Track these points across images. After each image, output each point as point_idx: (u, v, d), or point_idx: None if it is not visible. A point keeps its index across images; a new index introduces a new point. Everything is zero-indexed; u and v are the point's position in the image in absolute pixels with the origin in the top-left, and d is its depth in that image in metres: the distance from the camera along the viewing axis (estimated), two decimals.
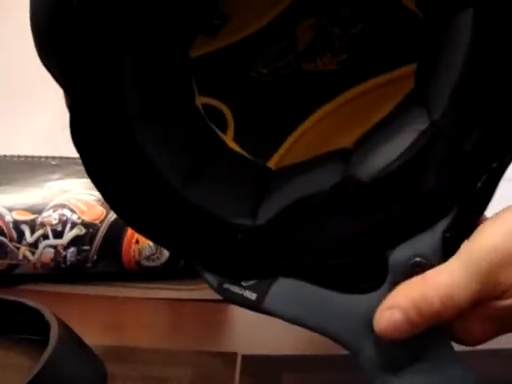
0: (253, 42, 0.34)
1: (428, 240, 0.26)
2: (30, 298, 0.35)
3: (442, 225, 0.26)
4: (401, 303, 0.24)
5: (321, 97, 0.35)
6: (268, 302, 0.28)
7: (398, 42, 0.33)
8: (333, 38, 0.34)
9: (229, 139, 0.34)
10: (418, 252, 0.25)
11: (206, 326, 0.43)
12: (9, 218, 0.49)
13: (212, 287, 0.30)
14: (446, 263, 0.25)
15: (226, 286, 0.29)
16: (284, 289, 0.28)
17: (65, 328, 0.32)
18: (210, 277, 0.29)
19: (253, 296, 0.28)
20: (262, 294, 0.28)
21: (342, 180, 0.28)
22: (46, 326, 0.31)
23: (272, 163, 0.34)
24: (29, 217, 0.49)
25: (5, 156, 0.54)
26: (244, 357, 0.36)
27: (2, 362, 0.34)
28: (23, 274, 0.50)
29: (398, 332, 0.24)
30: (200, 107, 0.32)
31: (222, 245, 0.29)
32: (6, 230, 0.49)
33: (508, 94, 0.25)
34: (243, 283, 0.29)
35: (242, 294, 0.28)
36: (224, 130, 0.34)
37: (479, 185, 0.26)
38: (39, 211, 0.50)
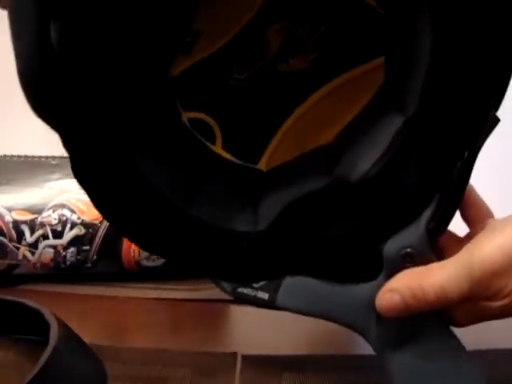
0: (226, 51, 0.35)
1: (414, 231, 0.28)
2: (29, 298, 0.35)
3: (426, 216, 0.28)
4: (401, 289, 0.27)
5: (298, 95, 0.36)
6: (280, 300, 0.31)
7: (365, 37, 0.34)
8: (301, 38, 0.35)
9: (218, 148, 0.35)
10: (407, 243, 0.28)
11: (206, 326, 0.43)
12: (8, 218, 0.49)
13: (227, 292, 0.33)
14: (445, 261, 0.28)
15: (240, 289, 0.32)
16: (292, 286, 0.31)
17: (65, 328, 0.32)
18: (223, 283, 0.33)
19: (265, 296, 0.31)
20: (273, 293, 0.31)
21: (330, 182, 0.29)
22: (45, 326, 0.31)
23: (262, 164, 0.36)
24: (28, 217, 0.49)
25: (5, 156, 0.54)
26: (244, 357, 0.36)
27: (1, 362, 0.34)
28: (23, 274, 0.50)
29: (396, 312, 0.28)
30: (186, 123, 0.34)
31: (231, 253, 0.31)
32: (5, 230, 0.49)
33: (472, 85, 0.27)
34: (254, 285, 0.32)
35: (255, 295, 0.32)
36: (212, 140, 0.35)
37: (455, 172, 0.28)
38: (39, 211, 0.50)
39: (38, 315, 0.33)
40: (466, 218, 0.33)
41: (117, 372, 0.33)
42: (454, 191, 0.28)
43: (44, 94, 0.26)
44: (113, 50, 0.27)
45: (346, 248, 0.30)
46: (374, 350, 0.29)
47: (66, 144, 0.28)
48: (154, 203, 0.29)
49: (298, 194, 0.30)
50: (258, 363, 0.36)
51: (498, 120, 0.27)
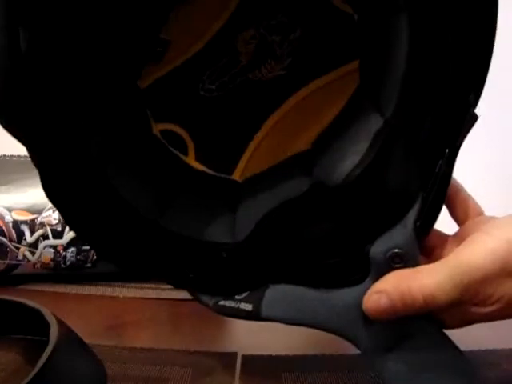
0: (196, 61, 0.34)
1: (402, 231, 0.28)
2: (29, 298, 0.35)
3: (412, 215, 0.28)
4: (389, 291, 0.27)
5: (272, 103, 0.36)
6: (265, 310, 0.29)
7: (338, 42, 0.34)
8: (273, 45, 0.34)
9: (191, 160, 0.35)
10: (394, 244, 0.27)
11: (205, 326, 0.43)
12: (8, 218, 0.49)
13: (208, 306, 0.31)
14: (435, 265, 0.27)
15: (222, 302, 0.31)
16: (276, 295, 0.30)
17: (65, 328, 0.32)
18: (204, 297, 0.31)
19: (249, 307, 0.30)
20: (257, 304, 0.30)
21: (310, 188, 0.29)
22: (45, 326, 0.31)
23: (237, 175, 0.35)
24: (28, 217, 0.49)
25: (5, 156, 0.54)
26: (244, 357, 0.36)
27: (1, 362, 0.34)
28: (23, 274, 0.50)
29: (383, 314, 0.27)
30: (158, 135, 0.33)
31: (209, 265, 0.30)
32: (5, 230, 0.49)
33: (450, 83, 0.26)
34: (237, 297, 0.30)
35: (238, 308, 0.30)
36: (185, 152, 0.34)
37: (437, 170, 0.27)
38: (39, 211, 0.50)
39: (38, 315, 0.33)
40: (454, 216, 0.33)
41: (117, 372, 0.33)
42: (437, 189, 0.28)
43: (11, 107, 0.25)
44: (82, 61, 0.26)
45: (330, 251, 0.29)
46: (365, 355, 0.28)
47: (35, 159, 0.27)
48: (127, 217, 0.28)
49: (277, 201, 0.29)
50: (257, 363, 0.36)
51: (476, 117, 0.27)
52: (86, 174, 0.27)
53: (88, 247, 0.50)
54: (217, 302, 0.31)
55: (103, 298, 0.48)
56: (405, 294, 0.26)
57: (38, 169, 0.27)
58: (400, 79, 0.26)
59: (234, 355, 0.37)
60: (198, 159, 0.35)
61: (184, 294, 0.48)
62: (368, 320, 0.28)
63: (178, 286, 0.32)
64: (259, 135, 0.36)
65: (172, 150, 0.34)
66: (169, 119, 0.34)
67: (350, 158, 0.28)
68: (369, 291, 0.28)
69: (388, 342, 0.28)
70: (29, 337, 0.35)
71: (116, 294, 0.49)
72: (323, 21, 0.34)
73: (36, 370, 0.27)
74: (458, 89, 0.27)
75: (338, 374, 0.34)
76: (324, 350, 0.37)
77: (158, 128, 0.34)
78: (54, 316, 0.32)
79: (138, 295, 0.48)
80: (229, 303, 0.30)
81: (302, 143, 0.33)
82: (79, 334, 0.32)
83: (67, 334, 0.31)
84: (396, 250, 0.27)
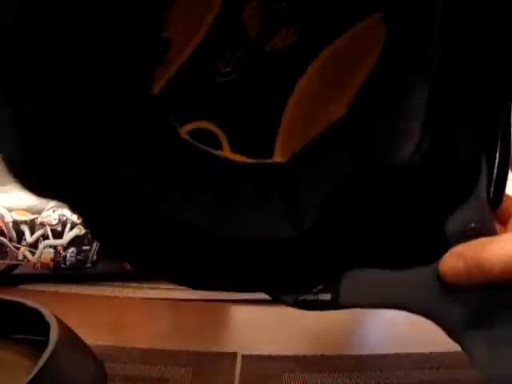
0: (203, 50, 0.33)
1: (476, 203, 0.26)
2: (30, 298, 0.35)
3: (482, 182, 0.26)
4: (467, 255, 0.25)
5: (294, 72, 0.34)
6: (343, 298, 0.28)
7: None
8: (281, 13, 0.33)
9: (228, 152, 0.33)
10: (470, 218, 0.26)
11: (205, 326, 0.43)
12: (8, 218, 0.49)
13: (289, 304, 0.30)
14: None
15: (301, 298, 0.30)
16: (353, 280, 0.28)
17: (65, 328, 0.32)
18: (285, 296, 0.30)
19: (327, 296, 0.29)
20: (335, 292, 0.29)
21: (371, 167, 0.28)
22: (45, 326, 0.31)
23: (277, 155, 0.34)
24: (28, 217, 0.49)
25: None
26: (244, 357, 0.36)
27: (1, 362, 0.34)
28: (23, 274, 0.50)
29: (459, 278, 0.26)
30: (187, 138, 0.32)
31: (280, 264, 0.29)
32: (5, 230, 0.49)
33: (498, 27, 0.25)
34: (314, 289, 0.29)
35: (317, 299, 0.29)
36: (219, 146, 0.33)
37: (499, 133, 0.26)
38: (39, 211, 0.50)
39: (38, 315, 0.33)
40: None
41: (117, 372, 0.33)
42: (501, 147, 0.26)
43: (38, 180, 0.24)
44: (90, 100, 0.26)
45: (404, 231, 0.27)
46: (453, 333, 0.27)
47: (83, 220, 0.26)
48: (184, 237, 0.28)
49: (332, 179, 0.28)
50: (258, 363, 0.36)
51: None
52: (134, 208, 0.27)
53: (88, 247, 0.50)
54: (297, 299, 0.30)
55: (103, 298, 0.48)
56: (483, 260, 0.25)
57: (87, 227, 0.27)
58: (439, 34, 0.24)
59: (233, 355, 0.37)
60: (233, 150, 0.33)
61: (184, 294, 0.48)
62: (449, 295, 0.26)
63: (253, 291, 0.31)
64: (289, 108, 0.34)
65: (206, 148, 0.32)
66: (194, 117, 0.33)
67: (408, 137, 0.26)
68: (446, 255, 0.26)
69: (471, 318, 0.26)
70: (29, 337, 0.35)
71: (116, 294, 0.49)
72: None
73: (36, 369, 0.27)
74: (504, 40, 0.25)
75: (338, 374, 0.34)
76: (324, 350, 0.37)
77: (185, 130, 0.33)
78: (54, 316, 0.32)
79: (137, 295, 0.48)
80: (308, 297, 0.30)
81: (337, 108, 0.32)
82: (79, 334, 0.32)
83: (67, 334, 0.31)
84: (473, 225, 0.26)
